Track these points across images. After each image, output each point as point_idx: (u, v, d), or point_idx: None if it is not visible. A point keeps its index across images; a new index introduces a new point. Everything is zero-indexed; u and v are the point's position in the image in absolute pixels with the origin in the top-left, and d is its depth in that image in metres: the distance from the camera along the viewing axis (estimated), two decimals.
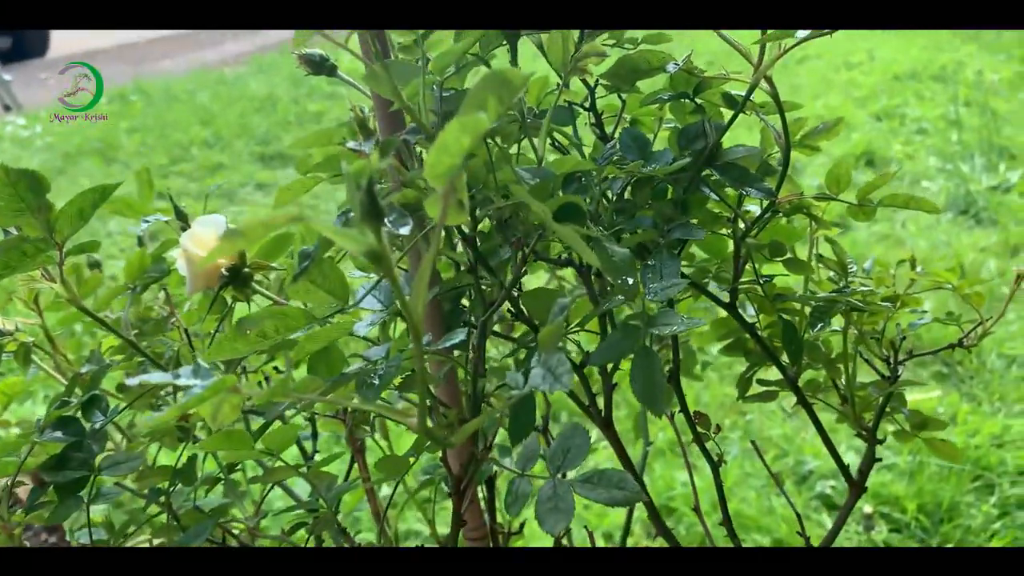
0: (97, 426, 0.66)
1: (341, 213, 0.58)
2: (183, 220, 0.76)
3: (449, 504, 0.66)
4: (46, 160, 4.51)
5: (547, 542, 1.81)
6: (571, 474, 0.52)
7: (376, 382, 0.49)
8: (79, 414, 0.67)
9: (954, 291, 0.79)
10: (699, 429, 0.72)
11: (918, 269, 0.79)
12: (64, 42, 7.29)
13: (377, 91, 0.54)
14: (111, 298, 0.70)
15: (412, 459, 0.61)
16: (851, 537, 1.88)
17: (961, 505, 1.97)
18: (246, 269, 0.67)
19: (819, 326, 0.65)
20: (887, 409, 0.78)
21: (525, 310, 0.64)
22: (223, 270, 0.65)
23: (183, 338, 0.71)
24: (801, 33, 0.56)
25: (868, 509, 1.91)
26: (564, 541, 0.90)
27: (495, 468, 0.75)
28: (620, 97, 0.71)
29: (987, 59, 4.89)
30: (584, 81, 0.69)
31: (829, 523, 1.92)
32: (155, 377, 0.39)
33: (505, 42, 0.60)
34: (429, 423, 0.44)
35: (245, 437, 0.54)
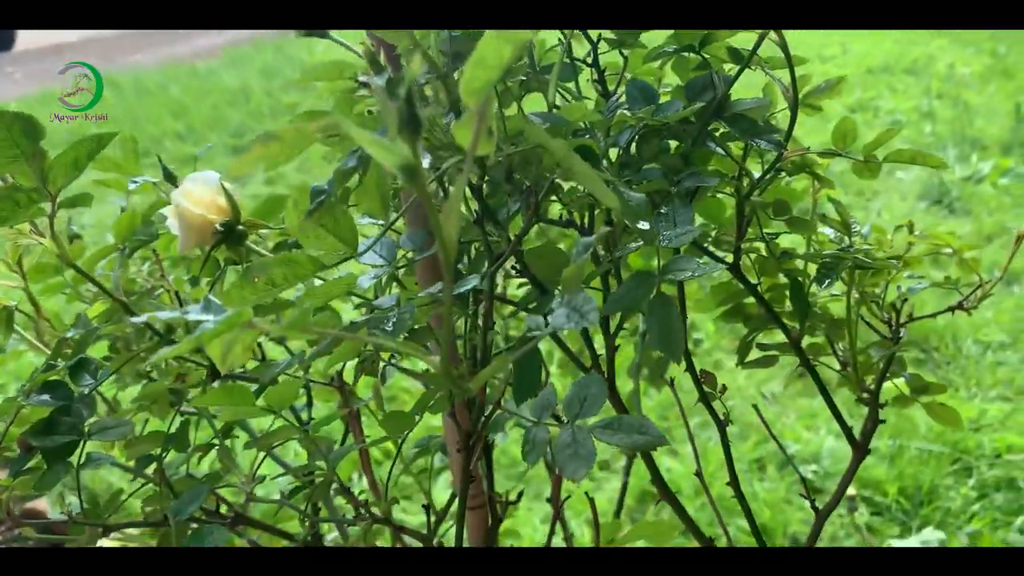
0: (86, 390, 0.63)
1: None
2: (172, 182, 0.74)
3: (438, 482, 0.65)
4: None
5: (541, 511, 1.81)
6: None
7: (390, 329, 0.47)
8: (67, 378, 0.64)
9: (953, 254, 0.79)
10: (706, 389, 0.71)
11: (916, 233, 0.79)
12: (31, 36, 7.16)
13: (381, 34, 0.52)
14: (99, 259, 0.68)
15: (416, 417, 0.59)
16: (834, 520, 1.89)
17: (940, 488, 1.98)
18: (240, 227, 0.65)
19: (826, 283, 0.65)
20: (887, 374, 0.77)
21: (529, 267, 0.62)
22: (217, 226, 0.63)
23: (174, 301, 0.69)
24: None
25: (851, 491, 1.91)
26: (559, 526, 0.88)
27: (492, 439, 0.74)
28: (622, 54, 0.70)
29: (958, 53, 4.95)
30: (587, 36, 0.68)
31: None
32: (165, 314, 0.37)
33: None
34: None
35: (247, 392, 0.53)
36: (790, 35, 0.62)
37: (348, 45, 0.80)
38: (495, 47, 0.32)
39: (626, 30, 0.67)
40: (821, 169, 0.70)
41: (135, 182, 0.72)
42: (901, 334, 0.73)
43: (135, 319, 0.38)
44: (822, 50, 5.19)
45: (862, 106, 4.26)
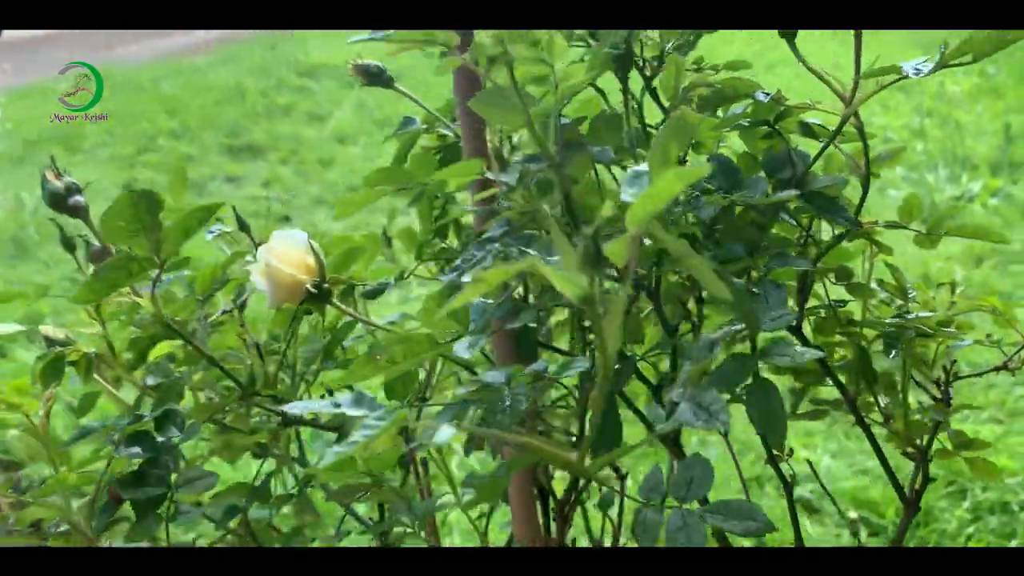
0: (173, 441, 0.65)
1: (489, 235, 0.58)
2: (246, 232, 0.75)
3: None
4: (7, 147, 4.38)
5: None
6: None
7: (506, 408, 0.49)
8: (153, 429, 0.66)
9: (994, 314, 0.82)
10: (774, 452, 0.74)
11: (957, 291, 0.82)
12: None
13: (488, 117, 0.54)
14: (182, 311, 0.70)
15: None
16: (831, 540, 1.93)
17: (935, 510, 2.02)
18: (325, 285, 0.67)
19: (892, 353, 0.68)
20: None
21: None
22: (308, 287, 0.65)
23: (254, 352, 0.70)
24: (907, 68, 0.58)
25: (854, 514, 1.95)
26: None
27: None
28: None
29: (948, 71, 5.00)
30: (660, 104, 0.70)
31: (810, 526, 1.96)
32: (320, 406, 0.39)
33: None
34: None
35: (354, 461, 0.54)
36: (781, 48, 0.65)
37: (415, 98, 0.82)
38: (669, 185, 0.34)
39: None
40: (880, 236, 0.73)
41: (211, 232, 0.73)
42: (950, 394, 0.76)
43: (291, 407, 0.39)
44: (812, 64, 5.24)
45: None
